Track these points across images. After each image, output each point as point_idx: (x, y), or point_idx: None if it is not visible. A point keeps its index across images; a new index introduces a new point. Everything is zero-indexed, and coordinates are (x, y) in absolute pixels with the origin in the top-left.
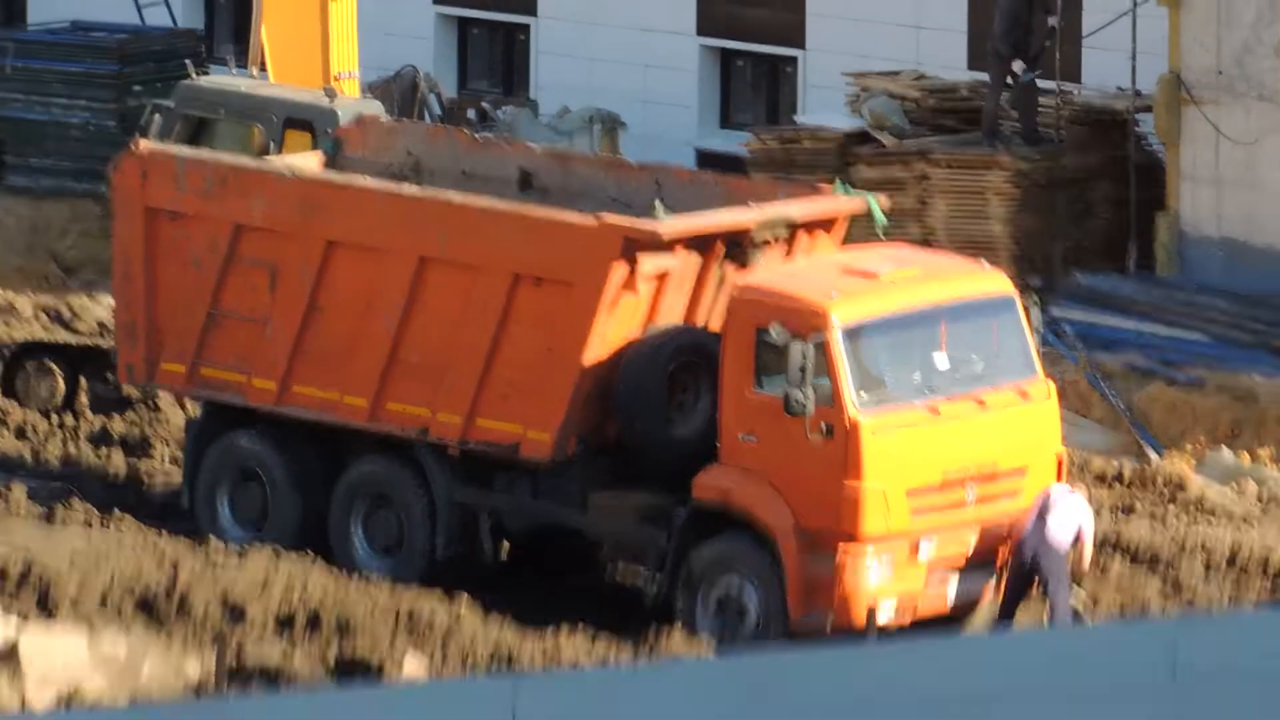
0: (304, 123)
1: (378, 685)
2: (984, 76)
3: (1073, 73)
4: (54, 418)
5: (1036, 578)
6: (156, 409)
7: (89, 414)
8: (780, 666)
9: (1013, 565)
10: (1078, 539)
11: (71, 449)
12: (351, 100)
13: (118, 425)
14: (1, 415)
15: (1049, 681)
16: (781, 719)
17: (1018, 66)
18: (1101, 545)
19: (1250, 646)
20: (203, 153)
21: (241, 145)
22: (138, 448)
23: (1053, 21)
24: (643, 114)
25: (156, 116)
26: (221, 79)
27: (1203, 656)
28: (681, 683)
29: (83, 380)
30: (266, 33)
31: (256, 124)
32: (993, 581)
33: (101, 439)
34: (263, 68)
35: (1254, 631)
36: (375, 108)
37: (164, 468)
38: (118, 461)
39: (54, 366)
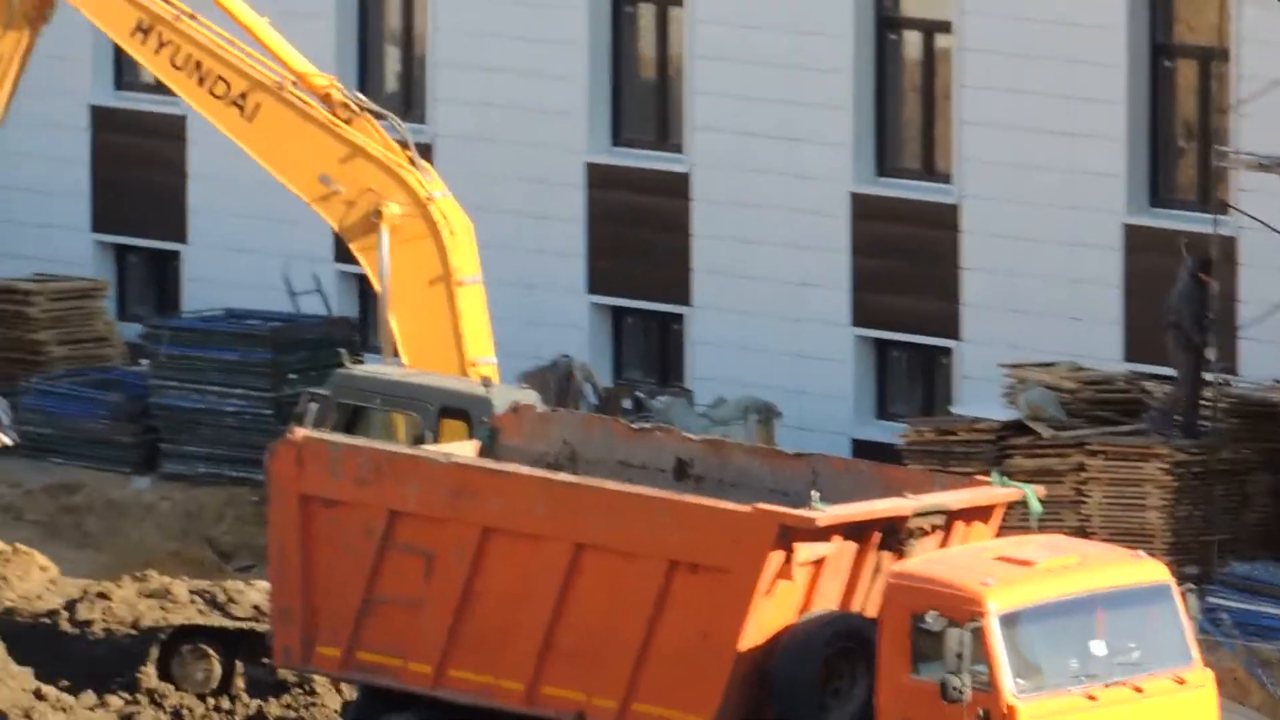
0: (459, 411)
1: None
2: (1140, 367)
3: (1229, 364)
4: (209, 700)
5: None
6: (312, 692)
7: (245, 697)
8: None
9: None
10: None
11: None
12: (507, 389)
13: (274, 709)
14: (158, 698)
15: None
16: None
17: (1210, 354)
18: None
19: None
20: (358, 440)
21: (397, 434)
22: None
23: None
24: (798, 404)
25: (312, 405)
26: (376, 368)
27: None
28: None
29: (238, 664)
30: (396, 323)
31: (411, 413)
32: None
33: None
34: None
35: None
36: (531, 396)
37: None
38: None
39: (209, 650)
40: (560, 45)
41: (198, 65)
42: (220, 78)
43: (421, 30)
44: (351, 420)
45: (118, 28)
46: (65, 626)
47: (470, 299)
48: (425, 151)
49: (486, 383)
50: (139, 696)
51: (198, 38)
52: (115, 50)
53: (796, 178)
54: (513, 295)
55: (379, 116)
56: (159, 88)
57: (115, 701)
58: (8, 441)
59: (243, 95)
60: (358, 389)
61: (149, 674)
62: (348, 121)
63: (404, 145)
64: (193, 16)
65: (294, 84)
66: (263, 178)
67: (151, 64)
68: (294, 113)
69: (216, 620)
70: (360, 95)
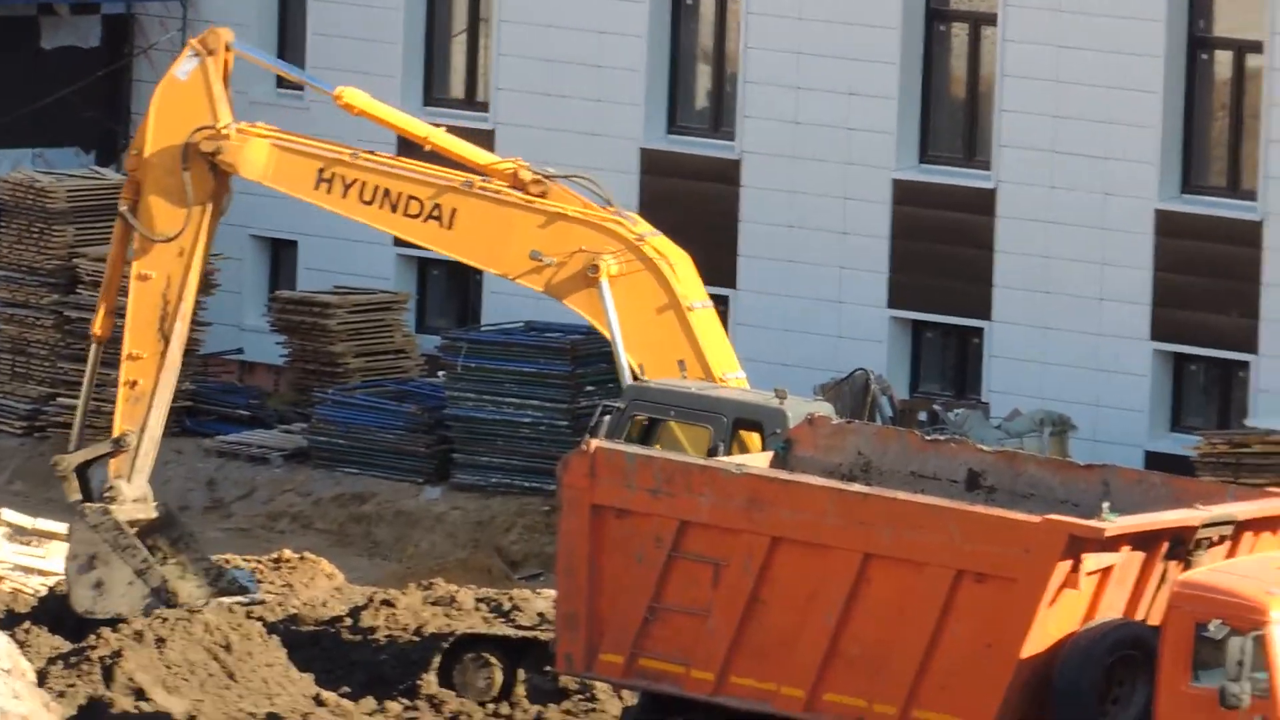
0: (753, 423)
1: None
2: None
3: None
4: (489, 707)
5: None
6: (593, 699)
7: (525, 704)
8: None
9: None
10: None
11: None
12: (800, 401)
13: (553, 715)
14: (436, 704)
15: None
16: None
17: None
18: None
19: None
20: (652, 452)
21: (691, 446)
22: None
23: None
24: (1093, 416)
25: (606, 417)
26: (670, 380)
27: None
28: None
29: (520, 672)
30: (631, 356)
31: (706, 425)
32: None
33: None
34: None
35: None
36: (825, 408)
37: None
38: None
39: (491, 658)
40: (871, 64)
41: (386, 194)
42: (411, 197)
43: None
44: (646, 432)
45: (302, 186)
46: (348, 634)
47: (704, 322)
48: (732, 167)
49: (780, 395)
50: (418, 703)
51: (377, 167)
52: None
53: (1102, 195)
54: (817, 310)
55: (572, 179)
56: None
57: (394, 707)
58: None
59: (437, 206)
60: (652, 401)
61: (430, 681)
62: (542, 195)
63: (607, 203)
64: (366, 153)
65: (482, 178)
66: None
67: (342, 209)
68: (489, 203)
69: (500, 628)
70: (547, 168)
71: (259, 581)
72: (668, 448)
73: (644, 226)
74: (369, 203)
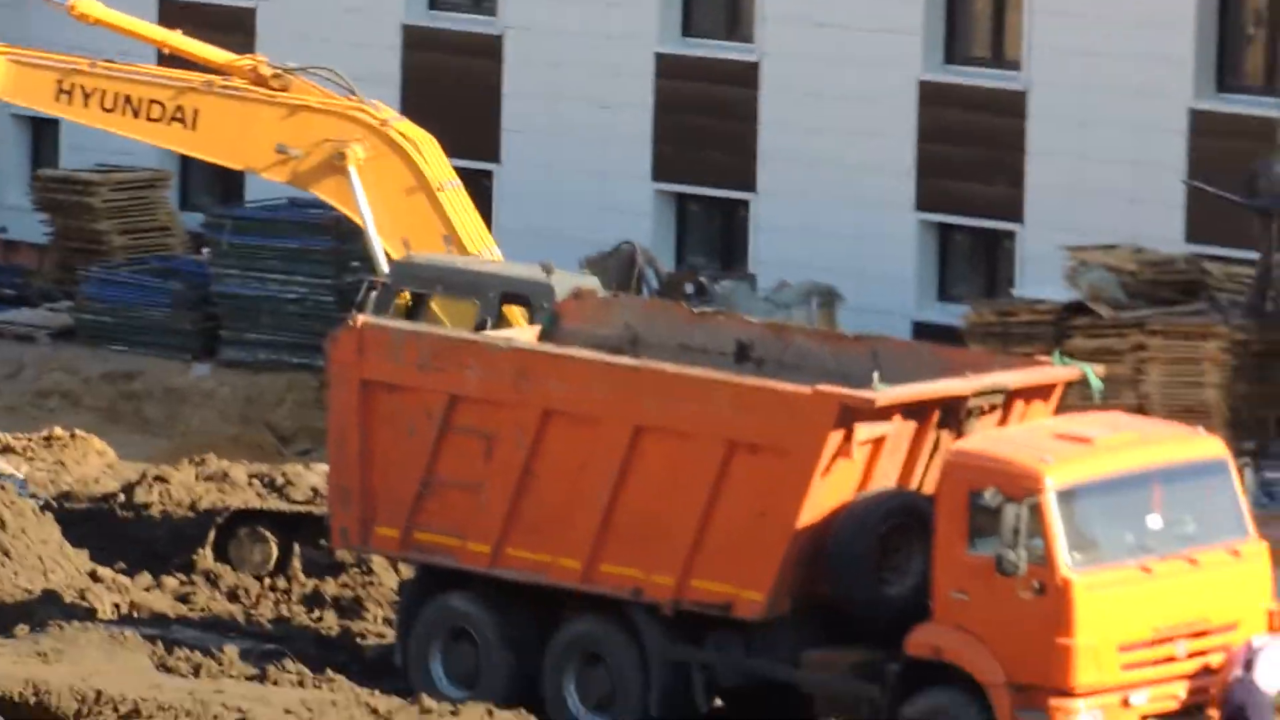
0: (520, 297)
1: None
2: (1201, 249)
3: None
4: (265, 581)
5: None
6: (369, 572)
7: (301, 577)
8: None
9: (1223, 715)
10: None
11: (284, 611)
12: (567, 275)
13: (330, 588)
14: (213, 579)
15: None
16: None
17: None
18: None
19: None
20: (419, 326)
21: (458, 320)
22: (350, 609)
23: None
24: (860, 287)
25: (373, 293)
26: (437, 255)
27: None
28: None
29: (296, 546)
30: (388, 243)
31: (473, 299)
32: None
33: (314, 601)
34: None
35: None
36: (591, 282)
37: (377, 628)
38: (330, 622)
39: (267, 533)
40: None
41: (127, 100)
42: (153, 101)
43: None
44: (413, 307)
45: (42, 99)
46: (122, 510)
47: (455, 201)
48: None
49: (547, 269)
50: (194, 578)
51: (115, 75)
52: None
53: (864, 65)
54: (579, 183)
55: (313, 71)
56: None
57: (171, 583)
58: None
59: (179, 108)
60: (420, 276)
61: (205, 555)
62: (284, 89)
63: (350, 92)
64: (105, 62)
65: (222, 77)
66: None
67: (85, 119)
68: (230, 101)
69: (273, 503)
70: (288, 62)
71: (27, 486)
72: (448, 324)
73: (388, 112)
74: (110, 110)
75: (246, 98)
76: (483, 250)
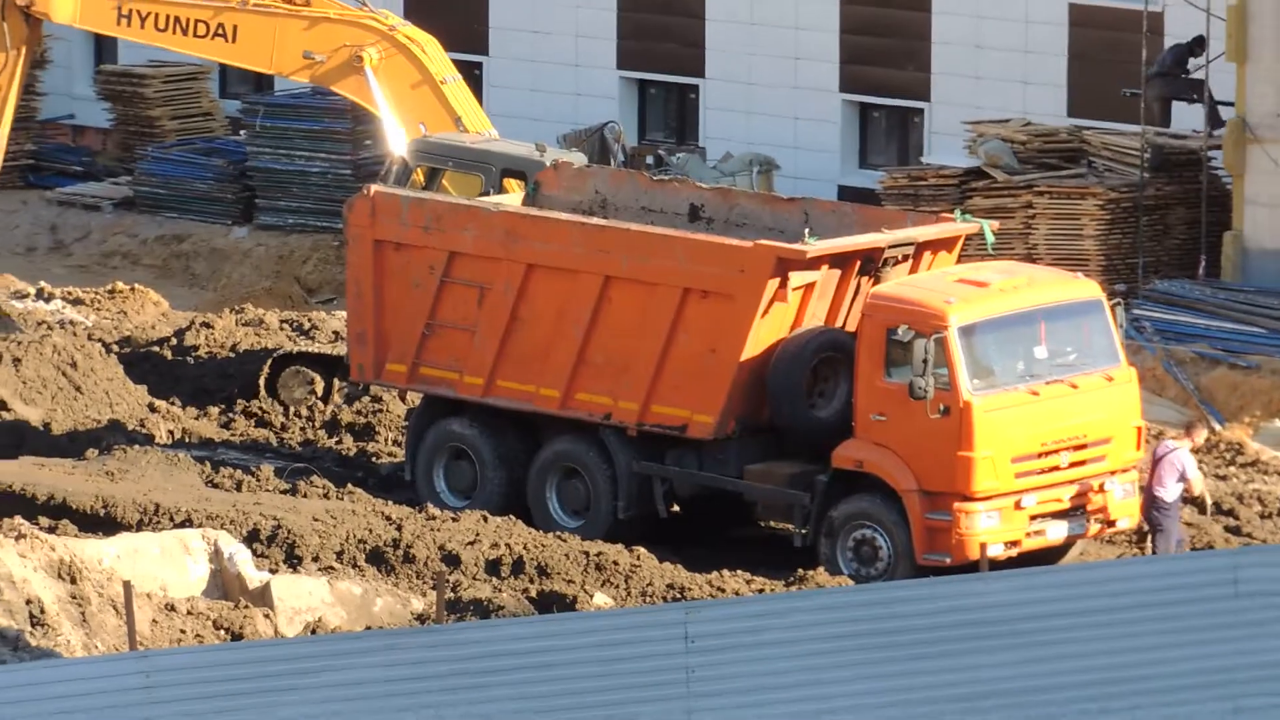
0: (518, 172)
1: (575, 615)
2: (1080, 122)
3: (1156, 119)
4: (291, 411)
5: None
6: (379, 400)
7: (322, 406)
8: (904, 594)
9: (1144, 512)
10: (1181, 477)
11: (310, 435)
12: (559, 152)
13: (347, 415)
14: (250, 410)
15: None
16: (907, 635)
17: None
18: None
19: None
20: (422, 194)
21: (467, 191)
22: (365, 433)
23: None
24: (794, 157)
25: (394, 167)
26: (451, 135)
27: (1259, 576)
28: (826, 608)
29: (336, 382)
30: (406, 128)
31: (479, 173)
32: (1084, 527)
33: (334, 427)
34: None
35: None
36: (579, 158)
37: (389, 449)
38: (349, 444)
39: (310, 371)
40: None
41: (176, 21)
42: (198, 21)
43: None
44: (429, 179)
45: (106, 24)
46: (174, 352)
47: (456, 91)
48: None
49: (540, 148)
50: (234, 409)
51: (165, 0)
52: None
53: None
54: (556, 72)
55: None
56: None
57: (213, 412)
58: None
59: (220, 25)
60: (434, 154)
61: (254, 391)
62: (307, 3)
63: (362, 3)
64: None
65: None
66: None
67: (143, 38)
68: (262, 17)
69: (314, 347)
70: None
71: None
72: (459, 194)
73: (395, 19)
74: (163, 30)
75: (275, 13)
76: (484, 132)
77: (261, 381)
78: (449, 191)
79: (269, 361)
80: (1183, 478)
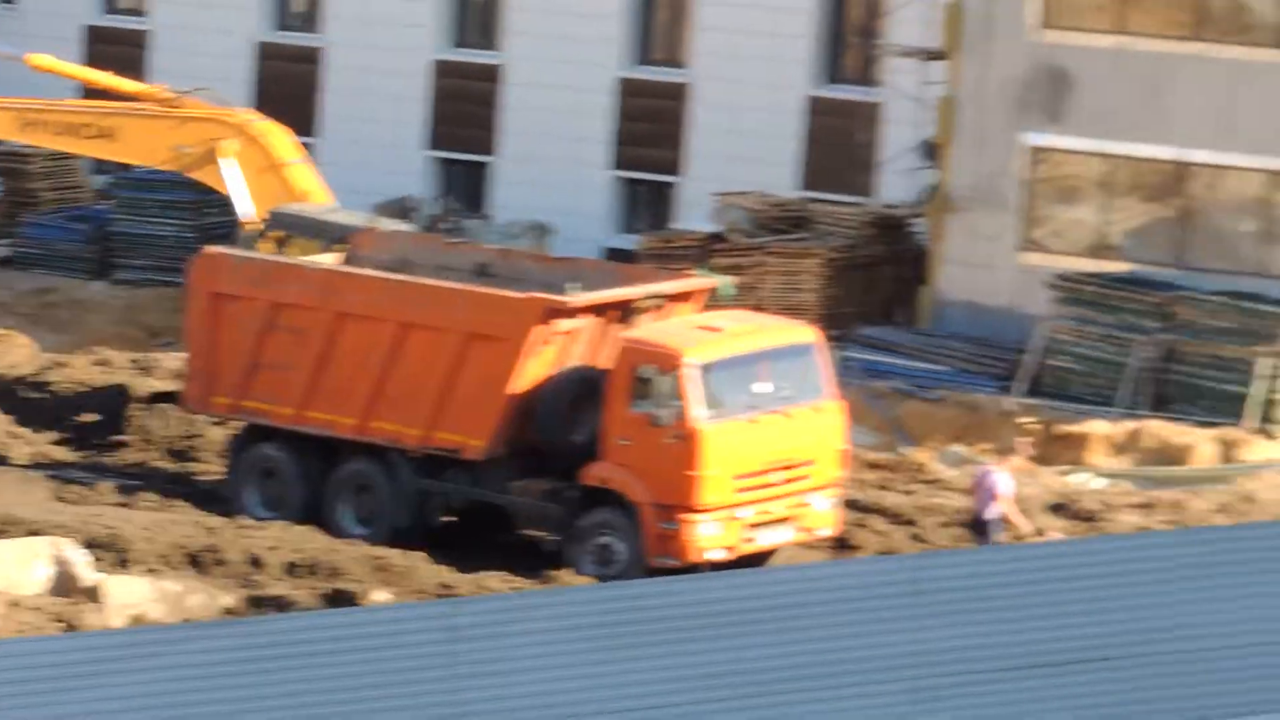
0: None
1: (356, 609)
2: (809, 194)
3: (868, 189)
4: (133, 436)
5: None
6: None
7: (167, 431)
8: (637, 591)
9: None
10: (993, 496)
11: (144, 458)
12: (390, 221)
13: (175, 440)
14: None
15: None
16: (642, 625)
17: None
18: (868, 511)
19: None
20: (253, 254)
21: (312, 254)
22: (189, 456)
23: None
24: (569, 223)
25: (245, 235)
26: (297, 206)
27: (936, 576)
28: (572, 604)
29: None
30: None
31: (320, 239)
32: (790, 535)
33: (165, 449)
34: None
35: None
36: (408, 228)
37: (209, 469)
38: (176, 465)
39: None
40: None
41: (69, 126)
42: (84, 124)
43: None
44: (281, 244)
45: (11, 131)
46: (35, 387)
47: (300, 173)
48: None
49: (372, 219)
50: (83, 434)
51: (61, 109)
52: None
53: (577, 65)
54: (369, 152)
55: (196, 91)
56: None
57: (65, 437)
58: None
59: (104, 128)
60: (282, 223)
61: (91, 419)
62: (177, 105)
63: (223, 104)
64: (55, 101)
65: (134, 102)
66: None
67: (44, 142)
68: (138, 119)
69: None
70: (179, 87)
71: None
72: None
73: (250, 114)
74: (59, 134)
75: (150, 114)
76: (327, 205)
77: (126, 413)
78: (299, 255)
79: (133, 398)
80: (997, 498)
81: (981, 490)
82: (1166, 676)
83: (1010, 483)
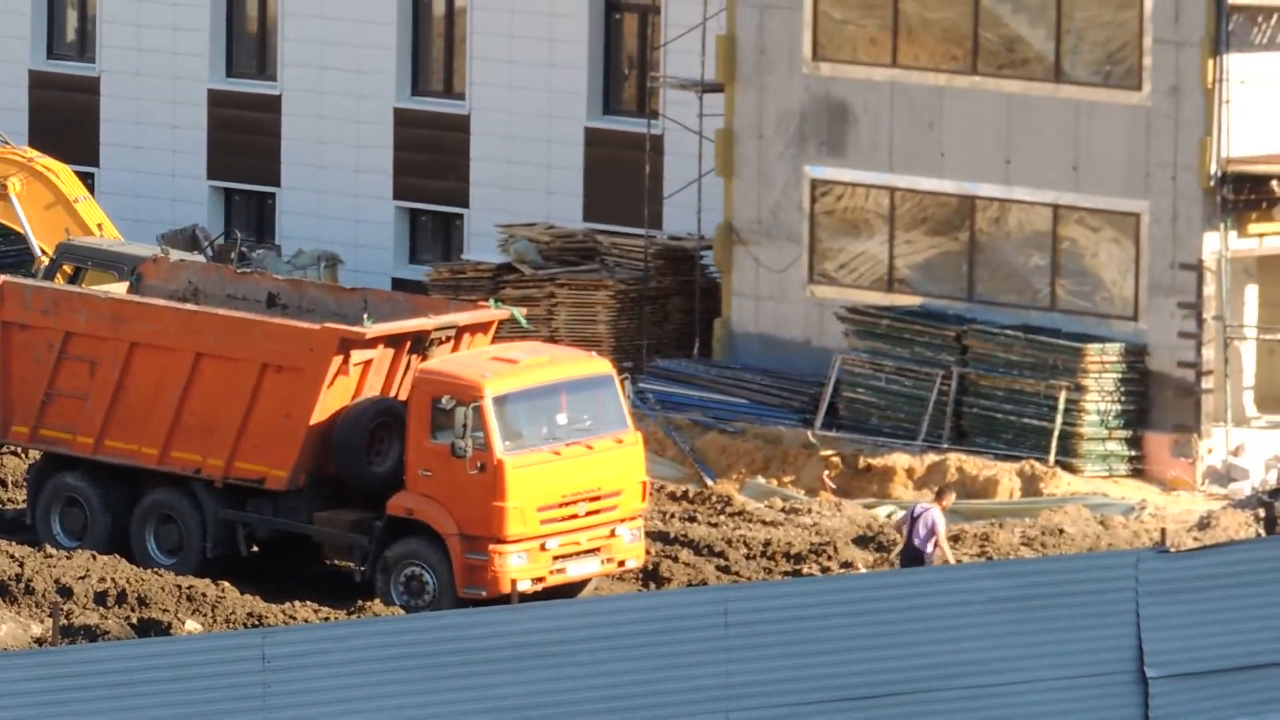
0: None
1: (168, 639)
2: (593, 226)
3: (657, 223)
4: None
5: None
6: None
7: None
8: (448, 622)
9: (902, 560)
10: (932, 533)
11: None
12: (183, 254)
13: None
14: None
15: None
16: (448, 657)
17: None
18: (675, 542)
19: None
20: (42, 283)
21: (106, 283)
22: None
23: None
24: (355, 254)
25: (41, 268)
26: (89, 239)
27: (745, 608)
28: (382, 634)
29: None
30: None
31: (112, 269)
32: (598, 566)
33: None
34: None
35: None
36: (199, 259)
37: (10, 497)
38: None
39: None
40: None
41: None
42: None
43: None
44: (73, 276)
45: None
46: None
47: (87, 208)
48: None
49: (164, 250)
50: None
51: None
52: None
53: (357, 97)
54: (153, 182)
55: None
56: None
57: None
58: None
59: None
60: (75, 255)
61: None
62: None
63: (4, 141)
64: None
65: None
66: None
67: None
68: None
69: None
70: None
71: None
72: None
73: (32, 152)
74: None
75: None
76: (115, 239)
77: None
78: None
79: None
80: (933, 534)
81: (920, 526)
82: (976, 711)
83: (943, 520)
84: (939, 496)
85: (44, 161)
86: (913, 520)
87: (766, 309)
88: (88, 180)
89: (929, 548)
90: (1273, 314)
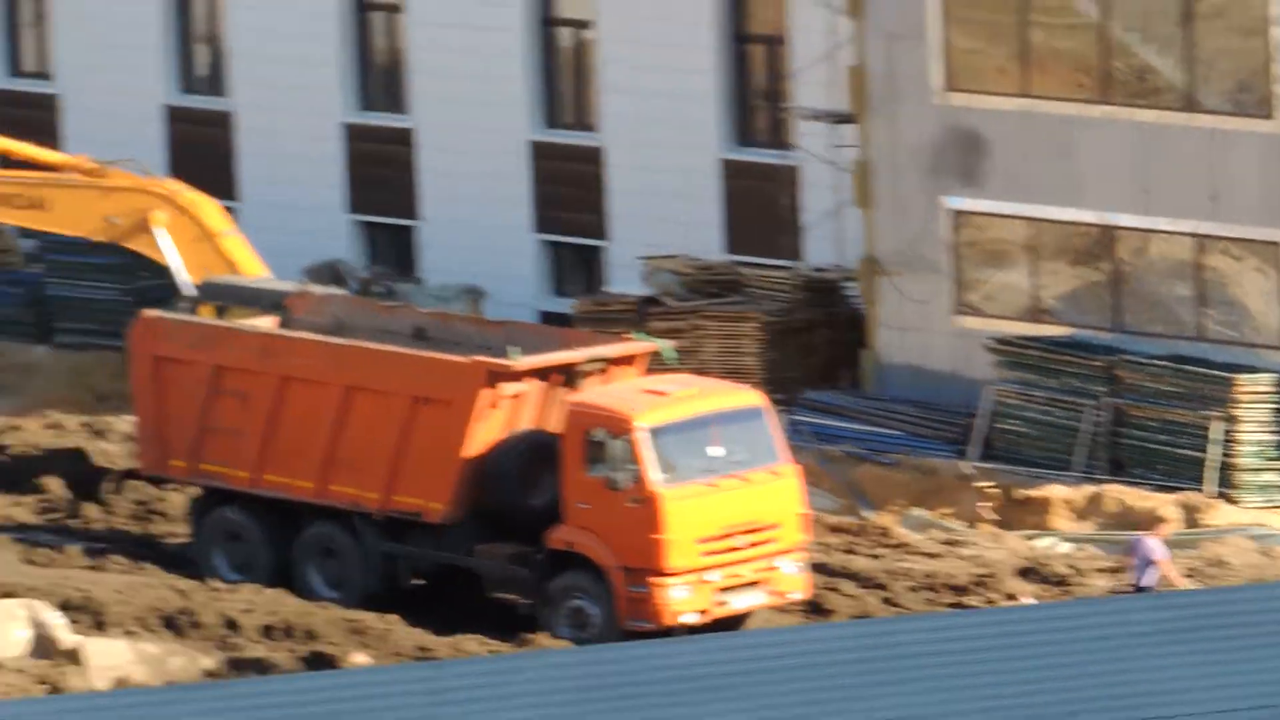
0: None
1: (340, 671)
2: (736, 257)
3: (796, 254)
4: (96, 501)
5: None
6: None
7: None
8: (617, 654)
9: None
10: (1148, 562)
11: (109, 520)
12: (322, 288)
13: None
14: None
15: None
16: (617, 689)
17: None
18: (837, 575)
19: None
20: (190, 317)
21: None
22: (153, 519)
23: None
24: (498, 287)
25: (184, 305)
26: (231, 276)
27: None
28: (554, 668)
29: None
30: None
31: (255, 306)
32: (763, 598)
33: (129, 514)
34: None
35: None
36: (341, 293)
37: (175, 531)
38: (141, 528)
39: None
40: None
41: (1, 196)
42: (15, 195)
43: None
44: (219, 312)
45: None
46: None
47: (233, 243)
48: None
49: (305, 286)
50: (46, 498)
51: None
52: None
53: (489, 131)
54: (297, 218)
55: (121, 162)
56: None
57: (28, 499)
58: None
59: (35, 198)
60: (217, 293)
61: (50, 483)
62: (103, 175)
63: (147, 173)
64: None
65: (59, 172)
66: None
67: None
68: (66, 189)
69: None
70: (102, 158)
71: None
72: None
73: (176, 185)
74: None
75: (77, 185)
76: (260, 274)
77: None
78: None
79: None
80: (1149, 563)
81: (1138, 558)
82: None
83: (1164, 548)
84: (1157, 528)
85: (189, 195)
86: (1131, 553)
87: (912, 340)
88: (231, 215)
89: (1149, 579)
90: None
